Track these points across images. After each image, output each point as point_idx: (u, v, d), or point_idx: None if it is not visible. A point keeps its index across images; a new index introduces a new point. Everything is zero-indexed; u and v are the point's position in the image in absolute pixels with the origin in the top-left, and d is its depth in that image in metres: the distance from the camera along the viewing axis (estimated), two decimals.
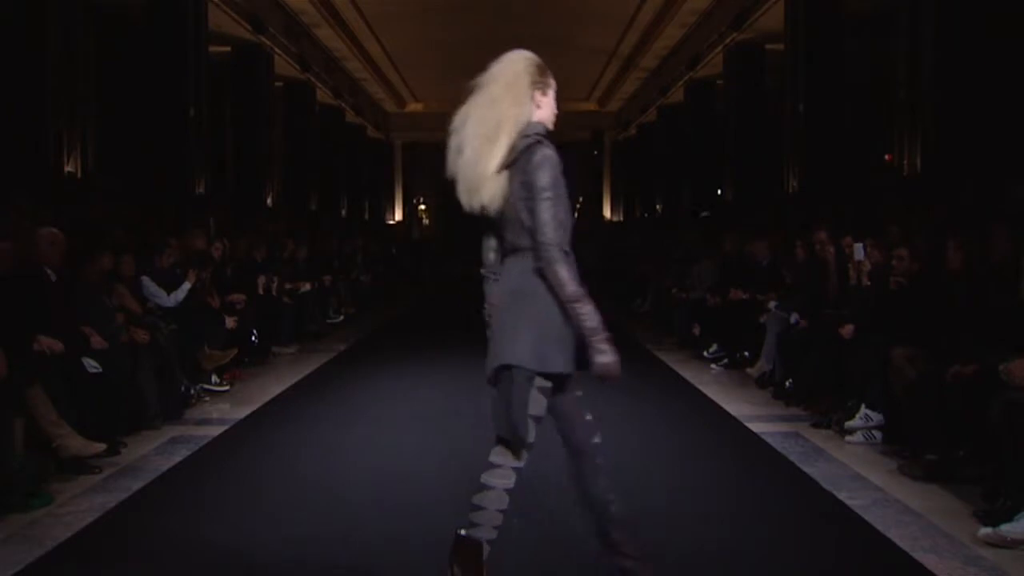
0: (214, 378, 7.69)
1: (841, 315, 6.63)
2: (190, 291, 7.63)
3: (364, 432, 6.31)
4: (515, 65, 3.06)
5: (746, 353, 8.50)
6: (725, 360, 8.87)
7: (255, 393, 7.66)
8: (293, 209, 17.16)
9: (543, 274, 2.91)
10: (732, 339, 8.82)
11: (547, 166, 2.92)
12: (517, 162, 2.96)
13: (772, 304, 7.94)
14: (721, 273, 9.74)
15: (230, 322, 8.29)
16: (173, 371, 6.82)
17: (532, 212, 2.91)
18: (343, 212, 21.73)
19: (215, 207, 11.81)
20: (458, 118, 3.05)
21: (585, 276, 2.96)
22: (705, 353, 9.29)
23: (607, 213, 28.76)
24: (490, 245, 3.18)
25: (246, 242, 10.45)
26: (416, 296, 18.89)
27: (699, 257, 10.76)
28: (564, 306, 2.90)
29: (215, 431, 6.28)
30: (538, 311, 2.94)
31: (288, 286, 10.80)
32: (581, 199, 30.50)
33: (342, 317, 12.91)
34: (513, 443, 3.04)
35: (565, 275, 2.89)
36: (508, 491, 3.07)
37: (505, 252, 3.06)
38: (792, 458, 5.47)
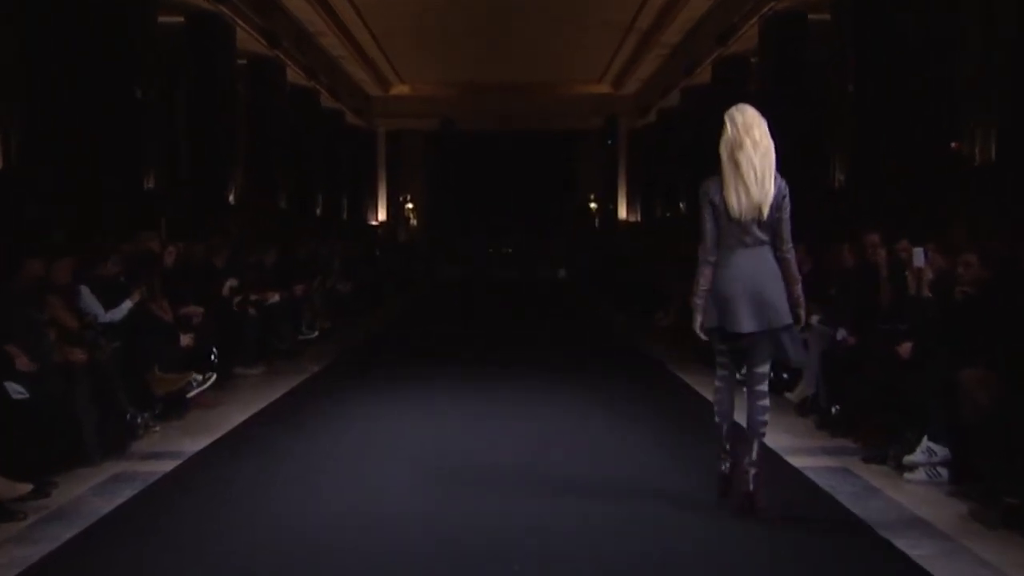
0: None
1: (897, 330, 6.60)
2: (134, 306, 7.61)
3: (341, 468, 6.27)
4: (762, 117, 5.18)
5: (785, 375, 8.42)
6: None
7: (213, 422, 7.61)
8: (259, 207, 17.16)
9: (778, 260, 5.09)
10: None
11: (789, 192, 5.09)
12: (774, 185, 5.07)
13: (815, 318, 7.87)
14: None
15: (185, 339, 8.24)
16: (116, 396, 6.77)
17: (780, 221, 5.08)
18: (318, 210, 21.77)
19: (168, 205, 11.79)
20: (733, 147, 5.16)
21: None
22: (738, 375, 9.20)
23: (622, 212, 28.73)
24: (715, 241, 5.12)
25: (204, 246, 10.42)
26: (402, 307, 18.87)
27: None
28: (789, 281, 5.13)
29: (166, 466, 6.24)
30: (783, 285, 5.09)
31: (253, 296, 10.76)
32: (592, 197, 30.56)
33: (316, 332, 12.88)
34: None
35: (796, 265, 5.20)
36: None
37: (745, 244, 5.07)
38: (840, 498, 5.44)
